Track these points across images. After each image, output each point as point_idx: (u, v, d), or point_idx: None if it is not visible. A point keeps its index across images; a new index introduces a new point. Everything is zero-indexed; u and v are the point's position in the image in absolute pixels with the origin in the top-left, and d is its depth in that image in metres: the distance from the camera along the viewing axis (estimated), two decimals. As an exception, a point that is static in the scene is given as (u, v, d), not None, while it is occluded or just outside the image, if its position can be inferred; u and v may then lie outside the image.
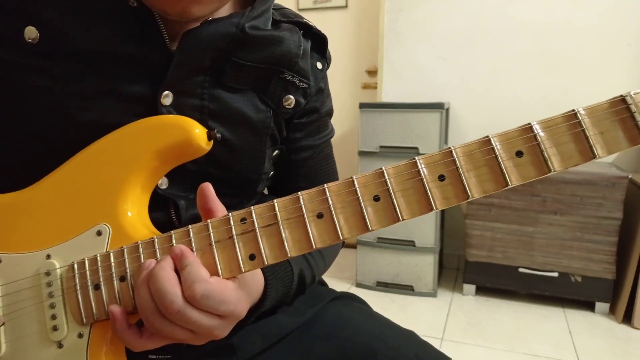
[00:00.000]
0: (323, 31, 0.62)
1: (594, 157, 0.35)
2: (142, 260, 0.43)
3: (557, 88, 2.18)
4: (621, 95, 0.34)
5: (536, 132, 0.36)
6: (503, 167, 0.36)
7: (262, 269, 0.49)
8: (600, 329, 1.86)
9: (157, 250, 0.43)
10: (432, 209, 0.37)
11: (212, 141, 0.47)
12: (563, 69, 2.16)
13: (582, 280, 1.95)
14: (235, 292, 0.42)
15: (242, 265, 0.41)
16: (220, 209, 0.44)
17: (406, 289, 2.16)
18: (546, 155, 0.36)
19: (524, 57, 2.21)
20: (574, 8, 2.11)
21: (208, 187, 0.44)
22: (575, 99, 2.16)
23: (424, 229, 2.09)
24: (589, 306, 1.99)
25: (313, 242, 0.39)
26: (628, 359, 1.67)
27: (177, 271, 0.41)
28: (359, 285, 2.24)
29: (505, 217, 2.00)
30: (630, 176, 1.88)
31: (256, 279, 0.48)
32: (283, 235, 0.40)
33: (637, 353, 1.70)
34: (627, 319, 1.88)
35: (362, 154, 2.12)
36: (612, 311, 1.96)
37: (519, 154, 0.36)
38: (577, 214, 1.90)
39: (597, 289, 1.94)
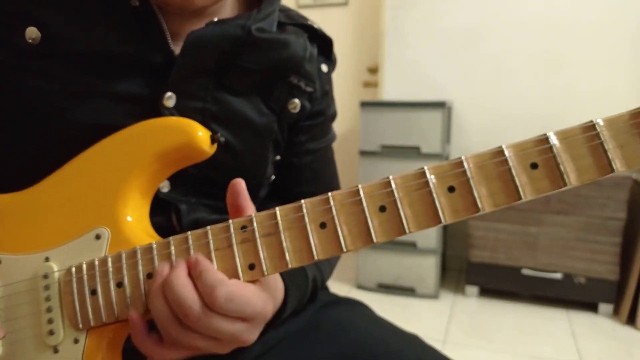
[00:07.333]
0: (323, 28, 0.61)
1: (612, 171, 0.33)
2: (140, 266, 0.42)
3: (560, 86, 2.17)
4: None
5: (552, 143, 0.34)
6: (517, 180, 0.34)
7: (281, 276, 0.48)
8: (604, 330, 1.85)
9: (155, 257, 0.42)
10: (440, 222, 0.35)
11: (215, 145, 0.46)
12: (566, 67, 2.15)
13: (586, 281, 1.94)
14: (259, 294, 0.40)
15: (241, 275, 0.39)
16: (250, 208, 0.42)
17: (408, 291, 2.15)
18: (562, 169, 0.34)
19: (527, 55, 2.19)
20: (576, 6, 2.10)
21: (240, 184, 0.42)
22: (579, 97, 2.15)
23: (426, 230, 2.07)
24: (593, 307, 1.98)
25: (315, 254, 0.38)
26: (632, 361, 1.66)
27: (192, 279, 0.39)
28: (360, 287, 2.22)
29: (509, 218, 1.99)
30: (634, 176, 1.87)
31: (277, 285, 0.47)
32: (284, 245, 0.39)
33: (641, 355, 1.69)
34: (631, 320, 1.87)
35: (363, 153, 2.10)
36: (616, 312, 1.95)
37: (534, 166, 0.34)
38: (581, 215, 1.89)
39: (601, 290, 1.92)
